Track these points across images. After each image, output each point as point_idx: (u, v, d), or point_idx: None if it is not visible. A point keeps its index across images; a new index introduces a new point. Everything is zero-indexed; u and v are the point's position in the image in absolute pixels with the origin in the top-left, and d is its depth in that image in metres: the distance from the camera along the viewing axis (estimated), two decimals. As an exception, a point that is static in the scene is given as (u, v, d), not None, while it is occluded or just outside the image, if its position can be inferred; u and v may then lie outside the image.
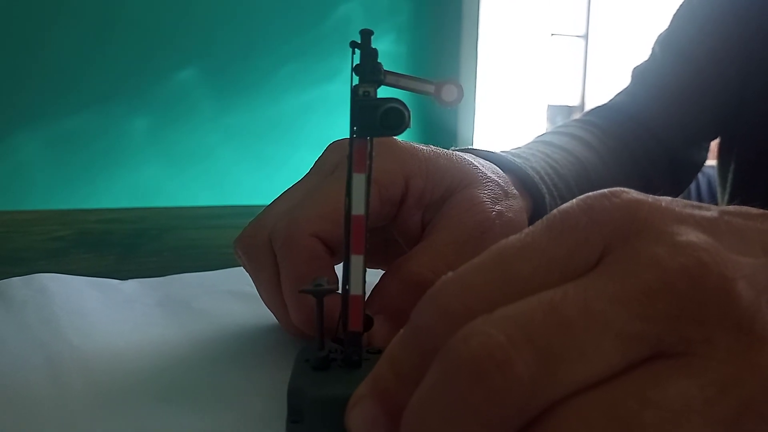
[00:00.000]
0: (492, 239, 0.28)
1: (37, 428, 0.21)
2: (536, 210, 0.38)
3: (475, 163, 0.31)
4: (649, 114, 0.58)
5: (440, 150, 0.31)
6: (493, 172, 0.32)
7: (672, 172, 0.59)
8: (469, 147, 0.37)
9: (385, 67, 0.21)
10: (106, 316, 0.32)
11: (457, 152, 0.32)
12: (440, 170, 0.30)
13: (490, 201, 0.29)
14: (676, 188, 0.61)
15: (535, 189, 0.38)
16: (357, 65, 0.21)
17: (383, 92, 0.21)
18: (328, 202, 0.27)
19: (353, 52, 0.21)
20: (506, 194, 0.31)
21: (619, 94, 0.62)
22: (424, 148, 0.30)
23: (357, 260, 0.22)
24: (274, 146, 2.37)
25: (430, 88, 0.20)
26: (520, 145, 0.48)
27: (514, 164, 0.38)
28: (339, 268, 0.24)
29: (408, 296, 0.25)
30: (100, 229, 0.58)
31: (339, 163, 0.30)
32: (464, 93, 0.21)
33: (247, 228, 0.29)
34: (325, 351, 0.23)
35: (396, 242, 0.31)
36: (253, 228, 0.29)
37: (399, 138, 0.28)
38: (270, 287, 0.28)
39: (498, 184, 0.31)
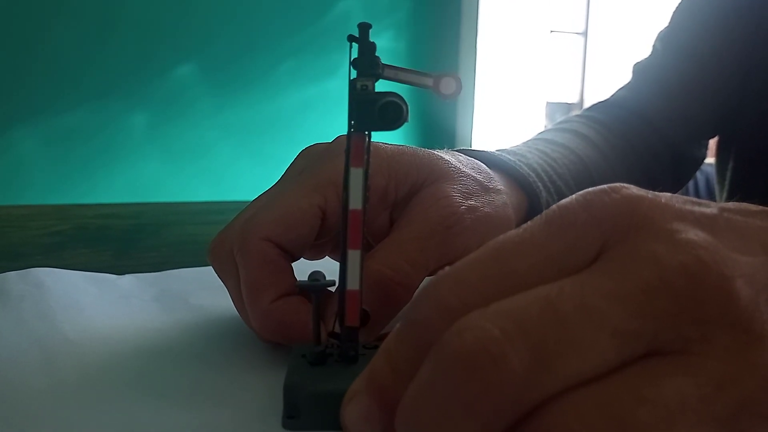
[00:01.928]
0: (461, 234, 0.28)
1: (33, 422, 0.21)
2: (531, 207, 0.37)
3: (445, 158, 0.31)
4: (651, 109, 0.58)
5: (406, 147, 0.30)
6: (472, 168, 0.31)
7: (674, 167, 0.59)
8: (462, 148, 0.37)
9: (384, 63, 0.21)
10: (103, 311, 0.32)
11: (426, 149, 0.31)
12: (404, 167, 0.29)
13: (460, 195, 0.29)
14: (678, 184, 0.61)
15: (528, 186, 0.37)
16: (355, 59, 0.21)
17: (382, 86, 0.21)
18: (281, 206, 0.27)
19: (351, 46, 0.20)
20: (485, 189, 0.30)
21: (620, 89, 0.62)
22: (387, 146, 0.30)
23: (354, 255, 0.22)
24: (272, 142, 2.37)
25: (429, 81, 0.20)
26: (519, 143, 0.48)
27: (506, 162, 0.38)
28: (333, 269, 0.24)
29: (369, 294, 0.24)
30: (97, 224, 0.58)
31: (304, 168, 0.29)
32: (463, 89, 0.21)
33: (215, 239, 0.29)
34: (322, 346, 0.23)
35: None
36: (219, 238, 0.29)
37: (397, 134, 0.28)
38: (235, 294, 0.28)
39: (475, 179, 0.30)
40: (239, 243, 0.27)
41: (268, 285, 0.26)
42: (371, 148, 0.29)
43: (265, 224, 0.27)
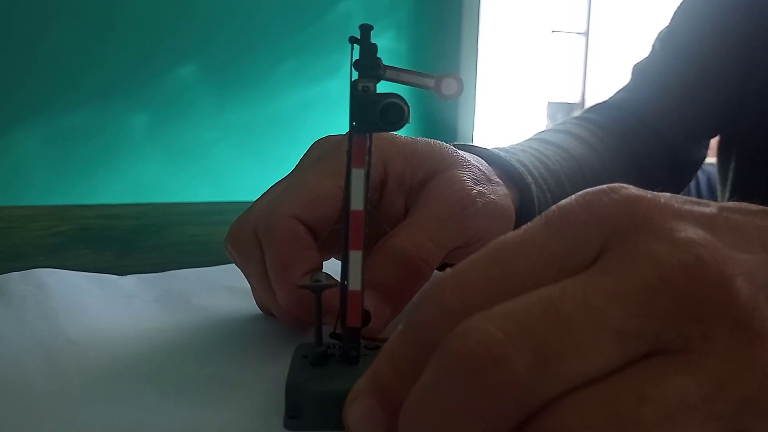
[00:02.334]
0: (474, 216, 0.29)
1: (36, 423, 0.21)
2: (523, 201, 0.38)
3: (453, 148, 0.32)
4: (649, 111, 0.58)
5: (419, 137, 0.32)
6: (476, 160, 0.33)
7: (672, 169, 0.59)
8: (456, 143, 0.38)
9: (385, 64, 0.21)
10: (105, 311, 0.32)
11: (437, 140, 0.33)
12: (419, 154, 0.30)
13: (471, 181, 0.30)
14: (677, 185, 0.61)
15: (520, 180, 0.38)
16: (357, 60, 0.21)
17: (383, 87, 0.21)
18: (306, 186, 0.28)
19: (352, 48, 0.20)
20: (488, 179, 0.32)
21: (619, 91, 0.62)
22: (403, 136, 0.31)
23: (355, 256, 0.22)
24: (273, 143, 2.37)
25: (430, 82, 0.20)
26: (515, 143, 0.48)
27: (499, 157, 0.39)
28: (337, 269, 0.24)
29: (393, 270, 0.26)
30: (99, 224, 0.58)
31: (321, 156, 0.30)
32: (465, 90, 0.21)
33: (234, 224, 0.30)
34: (324, 346, 0.23)
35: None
36: (239, 222, 0.30)
37: (398, 134, 0.29)
38: (259, 276, 0.28)
39: (479, 169, 0.32)
40: (265, 222, 0.27)
41: (297, 260, 0.26)
42: (385, 137, 0.30)
43: (292, 203, 0.27)
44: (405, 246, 0.27)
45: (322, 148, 0.31)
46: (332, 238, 0.29)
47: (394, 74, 0.21)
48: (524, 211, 0.37)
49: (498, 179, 0.33)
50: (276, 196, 0.29)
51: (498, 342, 0.14)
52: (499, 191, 0.32)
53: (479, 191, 0.30)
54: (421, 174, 0.30)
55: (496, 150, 0.40)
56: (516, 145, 0.47)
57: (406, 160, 0.30)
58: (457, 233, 0.29)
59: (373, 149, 0.29)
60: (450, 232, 0.28)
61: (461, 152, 0.32)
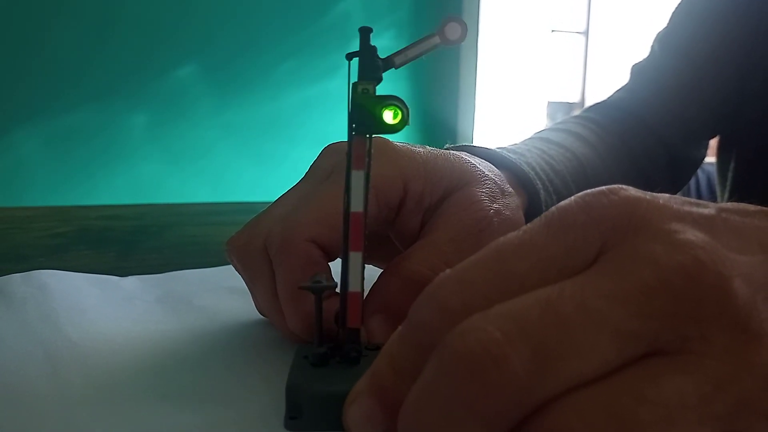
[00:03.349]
0: (489, 237, 0.28)
1: (37, 424, 0.21)
2: (531, 206, 0.38)
3: (473, 162, 0.31)
4: (648, 111, 0.58)
5: (438, 151, 0.31)
6: (490, 171, 0.32)
7: (671, 169, 0.59)
8: (465, 144, 0.37)
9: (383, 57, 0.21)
10: (106, 312, 0.32)
11: (455, 152, 0.32)
12: (438, 171, 0.29)
13: (488, 199, 0.29)
14: (675, 185, 0.61)
15: (530, 185, 0.38)
16: (355, 52, 0.21)
17: (382, 90, 0.21)
18: (324, 206, 0.27)
19: (349, 66, 0.21)
20: (503, 192, 0.31)
21: (618, 91, 0.62)
22: (422, 150, 0.30)
23: (355, 257, 0.22)
24: (273, 143, 2.37)
25: (436, 39, 0.21)
26: (517, 142, 0.48)
27: (510, 161, 0.38)
28: (336, 268, 0.24)
29: (407, 294, 0.25)
30: (100, 225, 0.58)
31: (334, 167, 0.29)
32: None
33: (241, 234, 0.29)
34: (324, 347, 0.23)
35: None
36: (248, 234, 0.29)
37: (398, 135, 0.28)
38: (266, 294, 0.28)
39: (495, 183, 0.31)
40: (280, 243, 0.26)
41: None
42: (404, 151, 0.29)
43: (309, 225, 0.26)
44: (420, 270, 0.26)
45: (333, 158, 0.30)
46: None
47: (403, 57, 0.21)
48: (532, 215, 0.37)
49: (510, 189, 0.32)
50: (289, 212, 0.27)
51: (496, 342, 0.14)
52: (512, 204, 0.31)
53: (496, 210, 0.29)
54: (440, 192, 0.29)
55: (504, 152, 0.39)
56: (520, 144, 0.46)
57: (426, 179, 0.29)
58: (472, 254, 0.28)
59: (391, 167, 0.28)
60: (466, 255, 0.27)
61: (478, 164, 0.31)
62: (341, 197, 0.27)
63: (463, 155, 0.32)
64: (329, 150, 0.31)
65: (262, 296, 0.28)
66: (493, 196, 0.30)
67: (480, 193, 0.29)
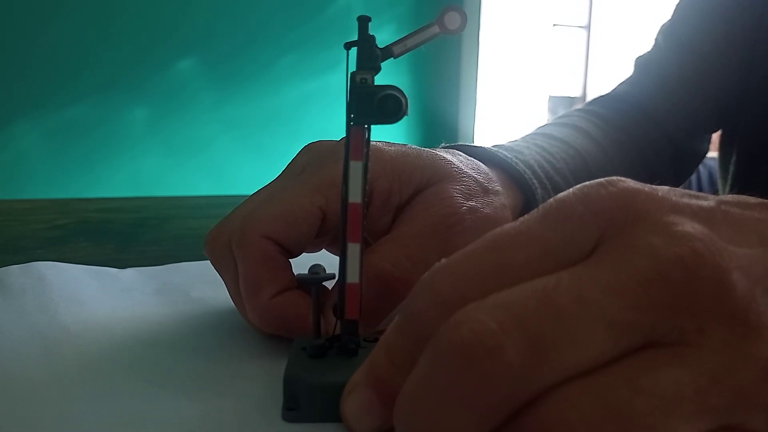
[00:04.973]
0: (461, 234, 0.28)
1: (34, 414, 0.21)
2: (527, 205, 0.37)
3: (448, 158, 0.31)
4: (652, 104, 0.58)
5: (410, 148, 0.30)
6: (472, 168, 0.31)
7: (675, 162, 0.59)
8: (459, 143, 0.37)
9: (385, 61, 0.21)
10: (104, 304, 0.32)
11: (429, 149, 0.31)
12: (408, 168, 0.29)
13: (462, 196, 0.29)
14: (678, 179, 0.61)
15: (524, 183, 0.37)
16: (353, 42, 0.21)
17: (381, 79, 0.21)
18: (283, 203, 0.27)
19: (348, 55, 0.20)
20: (485, 191, 0.30)
21: (622, 83, 0.62)
22: (391, 147, 0.30)
23: (353, 248, 0.22)
24: (273, 137, 2.37)
25: (435, 29, 0.20)
26: (517, 138, 0.48)
27: (503, 159, 0.37)
28: (336, 265, 0.24)
29: (368, 288, 0.25)
30: (99, 218, 0.58)
31: (305, 166, 0.29)
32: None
33: (213, 229, 0.29)
34: (322, 339, 0.23)
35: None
36: (217, 230, 0.29)
37: (399, 126, 0.28)
38: (233, 288, 0.28)
39: (476, 180, 0.30)
40: (238, 239, 0.27)
41: (267, 281, 0.26)
42: (372, 150, 0.29)
43: (265, 221, 0.26)
44: (381, 264, 0.26)
45: (309, 156, 0.30)
46: (323, 237, 0.29)
47: (402, 47, 0.21)
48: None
49: (498, 187, 0.31)
50: (251, 210, 0.28)
51: (491, 332, 0.14)
52: (496, 202, 0.30)
53: (470, 207, 0.28)
54: (410, 189, 0.29)
55: (501, 150, 0.39)
56: (520, 141, 0.46)
57: (393, 177, 0.28)
58: (442, 252, 0.27)
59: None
60: (432, 251, 0.27)
61: (457, 161, 0.31)
62: (304, 195, 0.27)
63: (440, 152, 0.31)
64: (306, 149, 0.31)
65: (229, 289, 0.29)
66: (468, 194, 0.29)
67: (452, 190, 0.29)
